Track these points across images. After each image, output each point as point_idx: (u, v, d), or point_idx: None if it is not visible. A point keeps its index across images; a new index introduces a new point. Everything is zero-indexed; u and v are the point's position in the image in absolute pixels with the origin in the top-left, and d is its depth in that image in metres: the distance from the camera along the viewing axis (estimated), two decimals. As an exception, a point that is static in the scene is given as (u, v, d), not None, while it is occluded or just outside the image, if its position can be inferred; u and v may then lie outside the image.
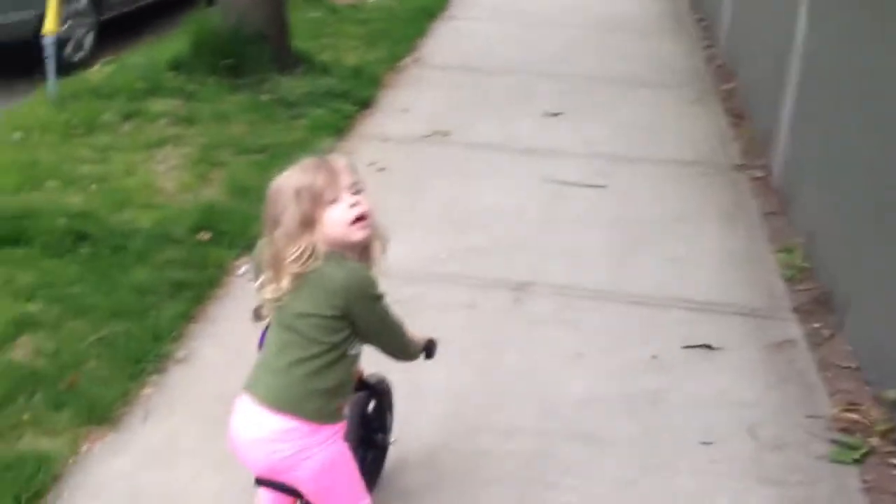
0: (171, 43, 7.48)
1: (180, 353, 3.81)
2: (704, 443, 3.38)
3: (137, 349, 3.70)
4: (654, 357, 3.90)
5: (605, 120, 6.80)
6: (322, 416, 2.31)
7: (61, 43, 6.79)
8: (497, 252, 4.77)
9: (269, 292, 2.32)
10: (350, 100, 6.73)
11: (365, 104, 6.88)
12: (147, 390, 3.57)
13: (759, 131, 6.30)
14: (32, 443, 3.20)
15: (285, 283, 2.28)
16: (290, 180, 2.32)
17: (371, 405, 2.92)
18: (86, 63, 7.60)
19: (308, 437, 2.29)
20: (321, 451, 2.32)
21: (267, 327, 2.45)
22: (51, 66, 6.03)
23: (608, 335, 4.08)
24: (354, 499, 2.46)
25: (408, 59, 8.34)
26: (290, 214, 2.28)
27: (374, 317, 2.37)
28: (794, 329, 4.12)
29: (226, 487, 3.04)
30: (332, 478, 2.36)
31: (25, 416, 3.30)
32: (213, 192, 5.14)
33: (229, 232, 4.62)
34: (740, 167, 5.97)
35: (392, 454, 3.20)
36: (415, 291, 4.37)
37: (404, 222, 5.03)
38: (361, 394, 2.84)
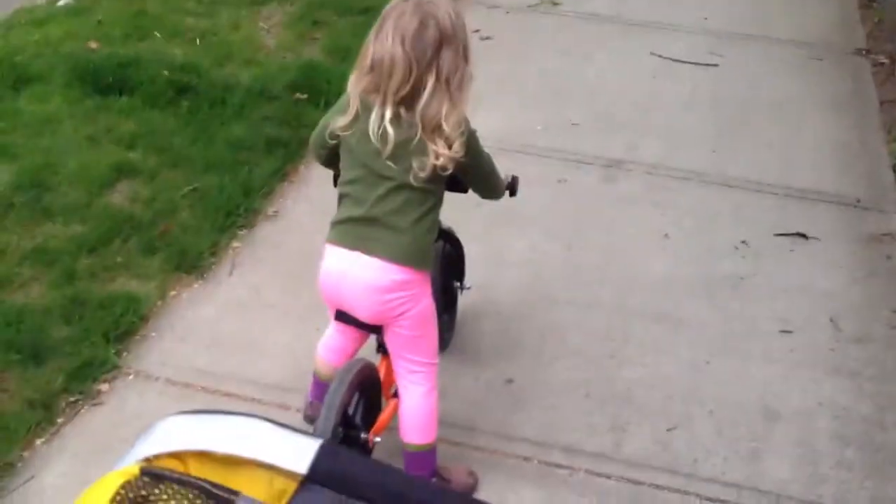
0: None
1: (270, 210, 3.90)
2: (784, 331, 3.32)
3: (229, 202, 3.80)
4: (743, 242, 3.81)
5: (729, -6, 6.45)
6: (428, 263, 2.43)
7: None
8: (594, 127, 4.67)
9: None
10: (460, -37, 6.55)
11: (475, -31, 6.69)
12: (235, 243, 3.68)
13: (889, 14, 5.90)
14: (124, 284, 3.36)
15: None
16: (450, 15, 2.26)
17: (447, 259, 3.00)
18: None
19: (421, 284, 2.40)
20: (427, 299, 2.44)
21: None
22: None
23: (698, 217, 3.99)
24: (434, 349, 2.54)
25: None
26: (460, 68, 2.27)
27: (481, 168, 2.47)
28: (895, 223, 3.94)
29: (298, 338, 3.16)
30: (425, 325, 2.47)
31: (119, 259, 3.46)
32: (313, 51, 5.14)
33: (326, 92, 4.63)
34: (864, 52, 5.63)
35: (466, 318, 3.25)
36: (507, 162, 4.29)
37: (503, 92, 4.97)
38: (440, 243, 2.90)
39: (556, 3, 6.22)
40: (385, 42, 2.23)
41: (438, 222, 2.49)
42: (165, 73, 4.59)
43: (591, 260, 3.71)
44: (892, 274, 3.65)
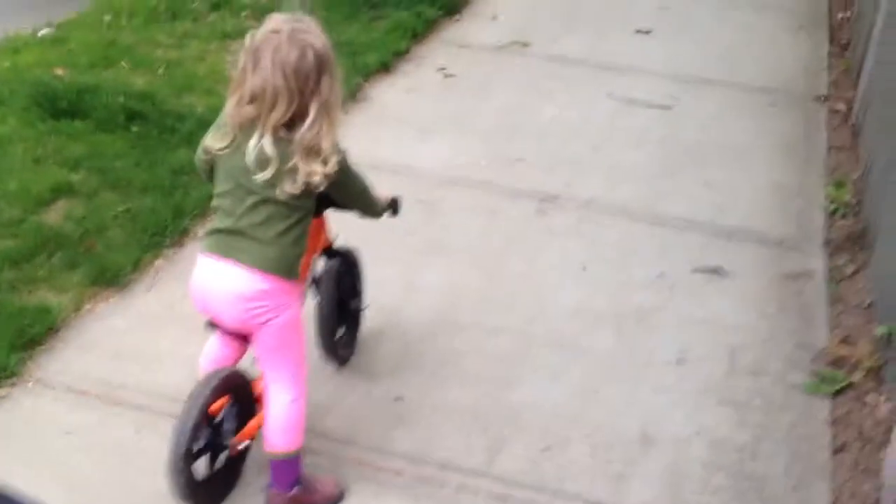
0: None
1: (201, 231, 4.00)
2: (679, 361, 3.35)
3: (158, 223, 3.91)
4: (659, 276, 3.85)
5: (696, 40, 6.55)
6: (295, 274, 2.51)
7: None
8: (538, 164, 4.75)
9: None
10: (436, 4, 6.70)
11: (453, 9, 6.85)
12: (159, 261, 3.79)
13: (854, 62, 5.95)
14: (41, 297, 3.47)
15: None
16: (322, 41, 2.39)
17: (342, 276, 3.10)
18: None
19: (287, 294, 2.49)
20: (292, 309, 2.52)
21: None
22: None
23: (619, 252, 4.04)
24: (301, 359, 2.63)
25: (514, -32, 8.19)
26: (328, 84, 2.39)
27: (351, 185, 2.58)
28: (816, 262, 3.97)
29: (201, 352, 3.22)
30: (290, 334, 2.55)
31: (41, 273, 3.57)
32: (274, 84, 5.28)
33: (277, 122, 4.76)
34: (823, 98, 5.67)
35: (369, 338, 3.33)
36: (444, 193, 4.44)
37: (455, 127, 5.08)
38: (334, 261, 3.05)
39: (525, 45, 6.34)
40: (264, 74, 2.32)
41: (307, 235, 2.56)
42: (121, 99, 4.74)
43: (505, 288, 3.77)
44: (802, 310, 3.67)
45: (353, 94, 5.17)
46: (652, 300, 3.71)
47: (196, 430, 2.50)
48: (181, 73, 5.26)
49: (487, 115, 5.30)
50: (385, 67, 5.70)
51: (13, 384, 3.10)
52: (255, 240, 2.43)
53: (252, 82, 2.34)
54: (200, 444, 2.55)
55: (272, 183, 2.39)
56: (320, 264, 3.01)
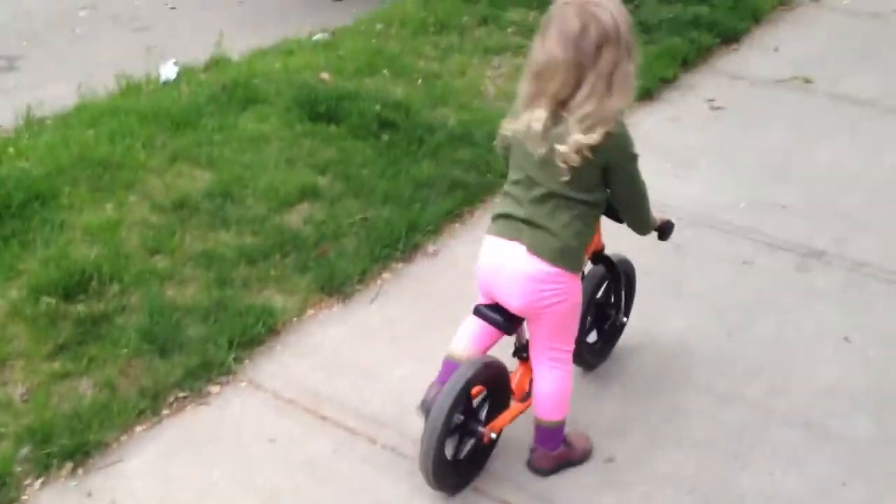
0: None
1: (432, 247, 3.91)
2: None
3: (391, 235, 3.85)
4: (938, 361, 3.32)
5: None
6: (578, 266, 2.56)
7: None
8: (805, 213, 4.29)
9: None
10: (714, 31, 6.30)
11: (731, 38, 6.41)
12: (386, 274, 3.72)
13: None
14: (268, 297, 3.48)
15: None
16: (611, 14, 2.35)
17: (605, 282, 3.09)
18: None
19: (571, 281, 2.54)
20: (576, 295, 2.60)
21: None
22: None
23: (892, 325, 3.53)
24: (574, 338, 2.72)
25: (810, -4, 7.60)
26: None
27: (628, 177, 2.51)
28: None
29: (412, 376, 3.11)
30: (571, 319, 2.65)
31: (273, 273, 3.60)
32: (530, 103, 5.13)
33: (527, 143, 4.60)
34: None
35: (591, 385, 3.10)
36: (697, 234, 4.10)
37: (716, 163, 4.71)
38: (600, 266, 3.02)
39: (807, 81, 5.82)
40: (548, 46, 2.34)
41: (591, 232, 2.58)
42: (377, 107, 4.76)
43: (749, 350, 3.39)
44: None
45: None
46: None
47: (455, 408, 2.53)
48: (439, 85, 5.22)
49: (754, 153, 4.87)
50: (649, 94, 5.39)
51: (227, 382, 3.12)
52: (542, 228, 2.47)
53: (537, 56, 2.37)
54: (456, 422, 2.58)
55: (554, 175, 2.40)
56: (588, 266, 2.95)
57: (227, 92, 4.86)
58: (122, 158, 4.17)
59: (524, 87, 2.41)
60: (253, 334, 3.27)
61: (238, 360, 3.19)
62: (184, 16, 6.65)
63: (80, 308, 3.29)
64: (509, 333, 2.68)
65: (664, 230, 2.82)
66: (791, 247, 4.03)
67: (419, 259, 3.83)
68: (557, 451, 2.78)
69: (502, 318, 2.56)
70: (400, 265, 3.78)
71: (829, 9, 7.34)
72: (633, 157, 2.47)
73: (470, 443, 2.67)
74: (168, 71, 5.22)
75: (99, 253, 3.56)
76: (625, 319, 3.24)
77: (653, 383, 3.20)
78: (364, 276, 3.66)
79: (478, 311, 2.60)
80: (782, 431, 3.01)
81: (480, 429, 2.65)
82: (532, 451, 2.80)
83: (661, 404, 3.11)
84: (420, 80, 5.24)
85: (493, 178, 4.35)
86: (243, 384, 3.12)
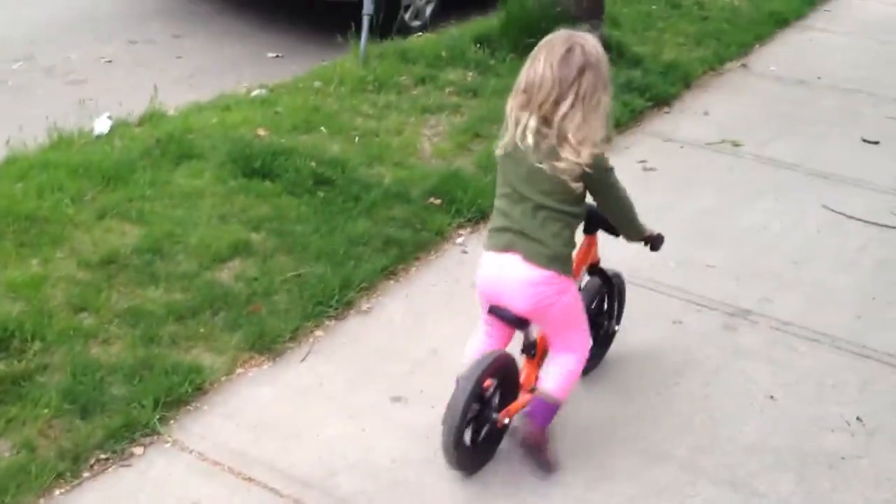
0: (488, 19, 7.60)
1: (365, 305, 3.90)
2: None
3: (324, 292, 3.83)
4: (858, 419, 3.40)
5: (932, 156, 5.97)
6: (569, 270, 2.87)
7: (400, 7, 7.58)
8: (732, 274, 4.38)
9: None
10: (646, 95, 6.46)
11: (662, 102, 6.58)
12: (318, 332, 3.70)
13: None
14: (197, 356, 3.43)
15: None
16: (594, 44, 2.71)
17: (601, 291, 3.41)
18: (423, 30, 7.85)
19: (565, 282, 2.85)
20: (571, 291, 2.90)
21: None
22: (364, 27, 6.36)
23: (815, 384, 3.61)
24: (586, 333, 3.04)
25: (734, 64, 7.82)
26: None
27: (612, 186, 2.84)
28: None
29: (342, 436, 3.10)
30: (573, 312, 2.95)
31: (202, 330, 3.55)
32: (465, 161, 5.19)
33: (461, 201, 4.65)
34: None
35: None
36: (628, 293, 4.13)
37: (650, 224, 4.77)
38: (595, 278, 3.37)
39: (737, 144, 5.98)
40: (535, 66, 2.67)
41: (574, 239, 2.86)
42: (313, 164, 4.77)
43: (675, 409, 3.43)
44: None
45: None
46: (847, 446, 3.26)
47: (471, 400, 2.80)
48: (376, 142, 5.25)
49: (684, 214, 4.98)
50: (582, 155, 5.48)
51: (151, 443, 3.05)
52: (535, 240, 2.76)
53: (525, 76, 2.69)
54: (473, 413, 2.85)
55: (542, 190, 2.72)
56: (584, 279, 3.30)
57: (161, 146, 4.83)
58: (49, 213, 4.11)
59: (511, 102, 2.71)
60: (179, 394, 3.21)
61: (163, 420, 3.13)
62: (120, 70, 6.60)
63: (1, 366, 3.20)
64: (521, 329, 2.97)
65: (655, 241, 3.13)
66: (718, 306, 4.10)
67: (352, 316, 3.82)
68: (540, 433, 2.93)
69: (513, 316, 2.86)
70: (332, 322, 3.76)
71: (757, 75, 7.59)
72: (611, 169, 2.79)
73: (485, 429, 2.95)
74: (101, 125, 5.17)
75: (22, 310, 3.48)
76: (616, 327, 3.56)
77: (580, 443, 3.21)
78: (296, 334, 3.63)
79: (493, 311, 2.90)
80: (708, 490, 3.04)
81: (494, 415, 2.94)
82: (523, 418, 2.93)
83: (591, 462, 3.12)
84: (357, 138, 5.27)
85: (428, 235, 4.37)
86: (168, 445, 3.06)
